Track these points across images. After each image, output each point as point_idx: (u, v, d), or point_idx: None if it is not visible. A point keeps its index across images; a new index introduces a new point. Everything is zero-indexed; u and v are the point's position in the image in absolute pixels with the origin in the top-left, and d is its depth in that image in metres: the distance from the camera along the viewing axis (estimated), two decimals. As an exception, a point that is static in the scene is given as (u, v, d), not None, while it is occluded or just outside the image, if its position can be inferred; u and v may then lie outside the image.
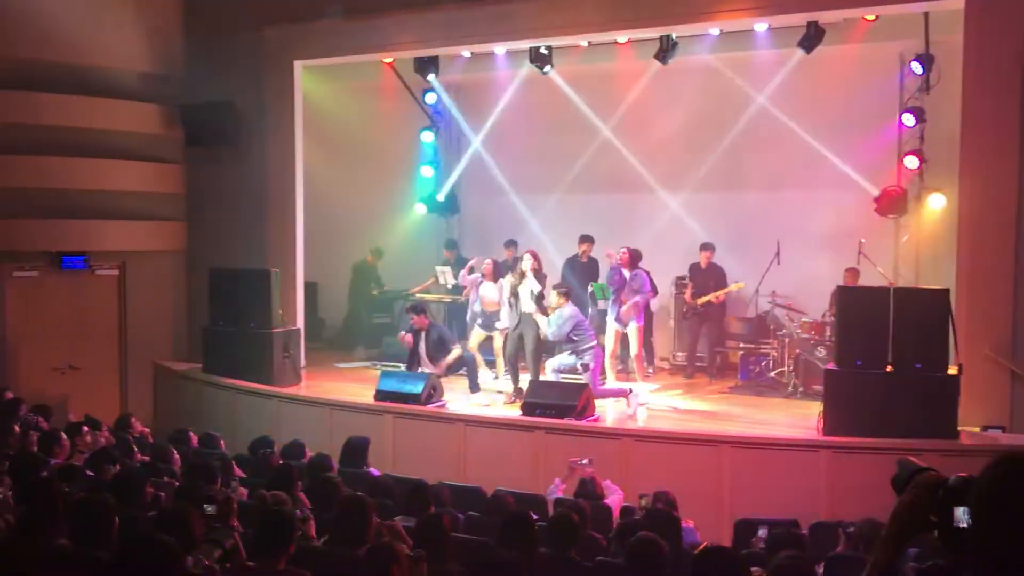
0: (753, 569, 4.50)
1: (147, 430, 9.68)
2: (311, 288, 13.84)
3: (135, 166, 12.63)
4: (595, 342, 10.22)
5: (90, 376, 12.16)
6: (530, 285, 10.53)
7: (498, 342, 11.56)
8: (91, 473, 6.75)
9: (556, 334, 10.15)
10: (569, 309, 10.08)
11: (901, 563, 1.89)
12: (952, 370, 8.37)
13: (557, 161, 13.53)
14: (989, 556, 1.59)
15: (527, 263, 10.65)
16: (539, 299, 10.50)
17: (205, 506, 4.82)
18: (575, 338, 10.02)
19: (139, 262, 12.80)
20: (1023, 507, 1.57)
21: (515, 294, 10.64)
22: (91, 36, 12.22)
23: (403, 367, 11.56)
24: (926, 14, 10.42)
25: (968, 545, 1.66)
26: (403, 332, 11.21)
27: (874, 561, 1.89)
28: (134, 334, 12.77)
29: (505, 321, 11.06)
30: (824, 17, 10.51)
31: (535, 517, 5.28)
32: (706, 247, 12.15)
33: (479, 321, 11.57)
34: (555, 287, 10.31)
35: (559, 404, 9.41)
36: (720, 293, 11.95)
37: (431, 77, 13.21)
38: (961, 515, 1.74)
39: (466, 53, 12.93)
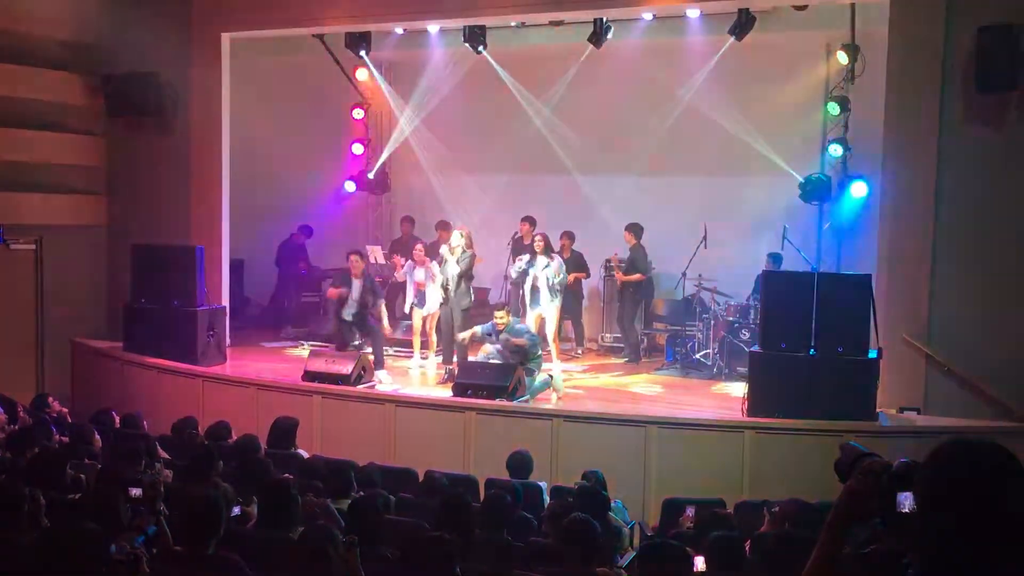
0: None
1: (65, 410, 9.40)
2: (237, 265, 13.58)
3: (53, 137, 12.16)
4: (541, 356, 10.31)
5: (4, 354, 11.72)
6: (450, 268, 10.62)
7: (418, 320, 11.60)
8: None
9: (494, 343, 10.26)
10: (519, 339, 9.94)
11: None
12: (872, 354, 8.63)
13: (490, 141, 13.48)
14: (933, 541, 1.63)
15: (456, 240, 10.63)
16: (460, 280, 10.59)
17: (131, 489, 4.70)
18: (526, 361, 9.96)
19: (57, 236, 12.36)
20: (966, 493, 1.61)
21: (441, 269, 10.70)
22: (7, 0, 11.71)
23: (333, 347, 11.47)
24: (853, 5, 10.64)
25: (912, 530, 1.70)
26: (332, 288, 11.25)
27: (819, 547, 1.92)
28: (51, 311, 12.34)
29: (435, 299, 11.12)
30: (755, 5, 10.66)
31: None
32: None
33: (415, 301, 11.53)
34: (501, 306, 10.49)
35: (490, 385, 9.42)
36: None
37: (363, 53, 13.01)
38: (904, 500, 1.78)
39: (399, 30, 12.77)
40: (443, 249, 11.06)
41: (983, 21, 8.68)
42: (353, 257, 11.09)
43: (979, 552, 1.58)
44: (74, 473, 6.02)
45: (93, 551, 3.52)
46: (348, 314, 11.04)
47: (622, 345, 12.57)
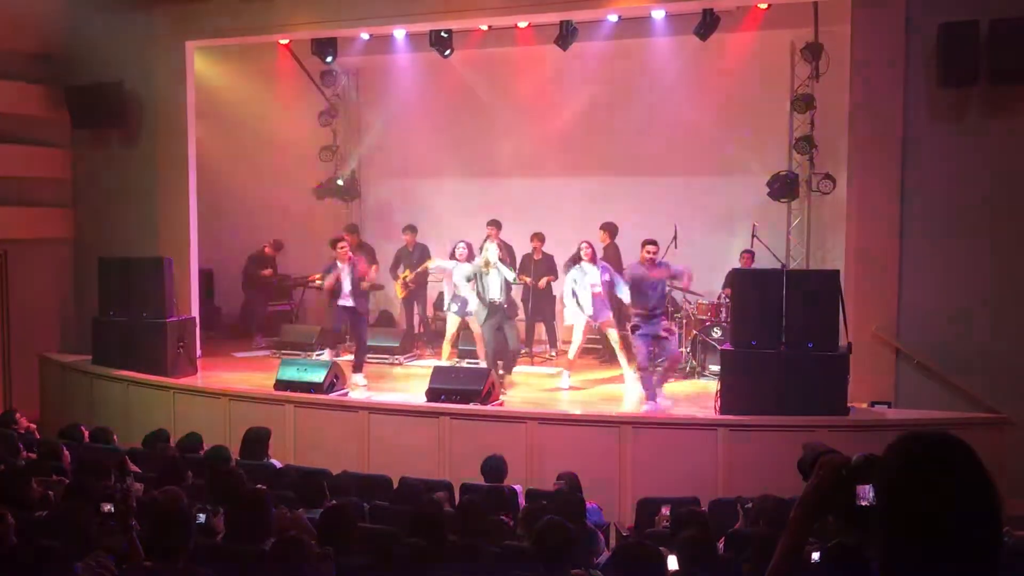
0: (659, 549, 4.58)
1: (33, 426, 9.27)
2: (206, 275, 13.46)
3: (17, 150, 12.03)
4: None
5: (-31, 371, 11.60)
6: (503, 274, 10.40)
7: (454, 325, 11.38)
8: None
9: None
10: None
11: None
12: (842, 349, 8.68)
13: (459, 145, 13.48)
14: (893, 534, 1.64)
15: (493, 254, 10.47)
16: (508, 289, 10.49)
17: (101, 504, 4.62)
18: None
19: (22, 250, 12.22)
20: (925, 485, 1.62)
21: (478, 281, 10.43)
22: (-35, 12, 11.58)
23: (302, 355, 11.43)
24: (815, 4, 10.74)
25: (872, 523, 1.70)
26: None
27: (783, 544, 1.93)
28: (18, 326, 12.20)
29: (473, 307, 10.81)
30: (719, 5, 10.72)
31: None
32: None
33: (454, 308, 11.23)
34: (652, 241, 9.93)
35: (463, 389, 9.39)
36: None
37: (329, 59, 12.95)
38: (864, 493, 1.79)
39: (365, 35, 12.73)
40: (474, 264, 10.58)
41: (944, 18, 8.80)
42: (340, 244, 10.91)
43: (936, 544, 1.59)
44: (42, 490, 5.93)
45: (58, 570, 3.46)
46: (344, 300, 10.79)
47: (597, 347, 12.57)
